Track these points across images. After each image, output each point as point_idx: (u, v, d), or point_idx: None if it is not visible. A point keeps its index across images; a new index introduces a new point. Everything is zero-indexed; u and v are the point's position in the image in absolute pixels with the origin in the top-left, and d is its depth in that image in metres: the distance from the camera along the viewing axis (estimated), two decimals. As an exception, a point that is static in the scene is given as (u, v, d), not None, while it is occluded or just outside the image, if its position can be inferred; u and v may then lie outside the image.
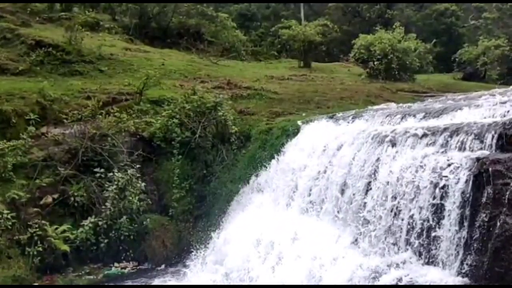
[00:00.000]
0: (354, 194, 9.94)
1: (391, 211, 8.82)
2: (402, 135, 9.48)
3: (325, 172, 11.14)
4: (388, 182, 9.03)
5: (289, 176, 12.40)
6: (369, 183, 9.61)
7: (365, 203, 9.52)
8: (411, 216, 8.38)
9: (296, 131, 13.78)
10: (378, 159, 9.62)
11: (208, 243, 13.05)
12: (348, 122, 12.36)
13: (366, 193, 9.61)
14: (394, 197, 8.82)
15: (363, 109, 13.14)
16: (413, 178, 8.53)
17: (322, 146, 11.70)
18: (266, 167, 13.61)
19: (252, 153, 14.80)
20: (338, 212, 10.36)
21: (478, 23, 37.61)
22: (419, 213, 8.25)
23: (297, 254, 10.31)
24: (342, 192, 10.38)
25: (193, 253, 13.02)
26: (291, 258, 10.36)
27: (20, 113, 14.80)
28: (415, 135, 9.20)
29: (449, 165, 8.01)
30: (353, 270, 8.90)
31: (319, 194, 11.17)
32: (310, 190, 11.50)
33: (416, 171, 8.54)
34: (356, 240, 9.59)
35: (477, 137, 8.08)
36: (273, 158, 13.50)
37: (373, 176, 9.53)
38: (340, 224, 10.20)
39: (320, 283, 9.42)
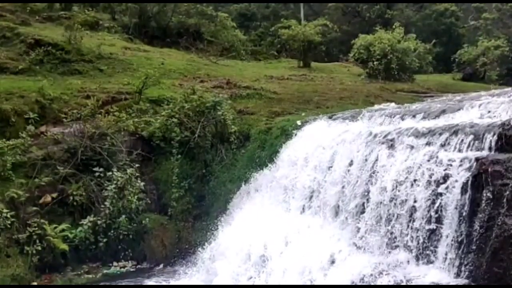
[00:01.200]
0: (346, 218, 9.86)
1: (385, 235, 8.82)
2: (399, 136, 9.47)
3: (319, 192, 11.06)
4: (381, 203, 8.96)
5: (281, 197, 12.27)
6: (362, 204, 9.52)
7: (358, 228, 9.46)
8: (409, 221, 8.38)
9: (291, 136, 13.66)
10: (372, 175, 9.50)
11: (196, 260, 12.88)
12: (345, 125, 12.23)
13: (359, 216, 9.52)
14: (389, 220, 8.76)
15: (360, 110, 12.97)
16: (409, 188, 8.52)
17: (315, 159, 11.52)
18: (259, 173, 13.61)
19: (251, 152, 14.79)
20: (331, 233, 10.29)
21: (478, 23, 37.64)
22: (418, 224, 8.24)
23: (287, 268, 10.19)
24: (336, 214, 10.33)
25: (180, 271, 12.97)
26: (281, 274, 10.24)
27: (20, 112, 14.80)
28: (413, 137, 9.18)
29: (448, 165, 8.02)
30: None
31: (313, 215, 11.11)
32: (303, 209, 11.46)
33: (412, 184, 8.49)
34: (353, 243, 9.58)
35: (477, 138, 8.09)
36: (265, 166, 13.49)
37: (366, 195, 9.45)
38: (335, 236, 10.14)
39: None
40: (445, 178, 7.94)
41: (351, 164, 10.18)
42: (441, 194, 7.91)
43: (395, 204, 8.65)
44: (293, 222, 11.31)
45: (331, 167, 10.82)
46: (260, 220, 11.98)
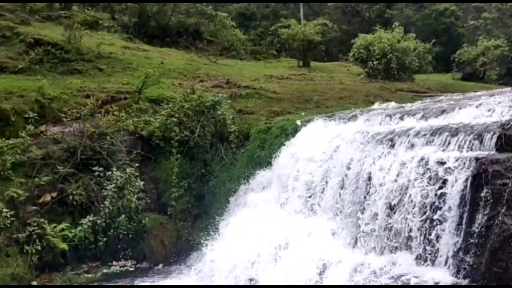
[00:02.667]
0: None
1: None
2: (393, 145, 9.42)
3: (314, 211, 10.90)
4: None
5: (273, 214, 12.03)
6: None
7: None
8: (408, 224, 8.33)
9: (283, 144, 13.49)
10: (366, 196, 9.38)
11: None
12: (339, 128, 12.03)
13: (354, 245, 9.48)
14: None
15: (355, 115, 12.74)
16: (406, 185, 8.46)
17: (307, 176, 11.31)
18: (249, 182, 13.60)
19: (251, 152, 14.80)
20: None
21: (478, 23, 37.68)
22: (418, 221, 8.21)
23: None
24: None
25: (179, 271, 12.89)
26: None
27: (19, 112, 14.78)
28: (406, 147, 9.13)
29: (447, 164, 8.01)
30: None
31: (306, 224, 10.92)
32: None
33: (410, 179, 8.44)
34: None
35: (476, 137, 8.09)
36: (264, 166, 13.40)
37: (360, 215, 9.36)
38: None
39: None
40: (443, 185, 7.93)
41: (343, 186, 10.03)
42: (441, 195, 7.89)
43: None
44: (284, 234, 11.03)
45: (324, 188, 10.70)
46: (250, 234, 11.68)
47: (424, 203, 8.12)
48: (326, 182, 10.71)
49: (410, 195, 8.32)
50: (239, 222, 12.46)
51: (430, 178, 8.14)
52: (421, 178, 8.25)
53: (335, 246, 9.74)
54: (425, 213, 8.08)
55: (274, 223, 11.55)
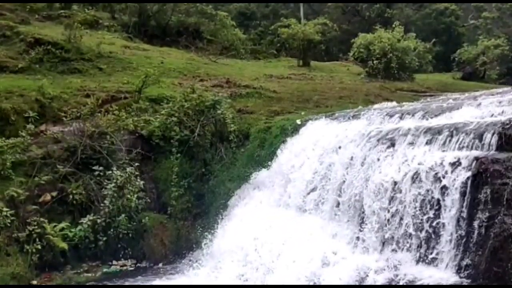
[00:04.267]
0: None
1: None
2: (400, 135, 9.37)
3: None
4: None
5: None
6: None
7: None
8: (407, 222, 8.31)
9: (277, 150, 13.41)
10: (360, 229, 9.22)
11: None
12: (338, 125, 11.89)
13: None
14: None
15: (352, 112, 12.61)
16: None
17: (297, 198, 11.13)
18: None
19: (251, 151, 14.80)
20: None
21: (478, 22, 37.68)
22: (417, 219, 8.19)
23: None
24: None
25: (179, 270, 12.83)
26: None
27: (19, 111, 14.77)
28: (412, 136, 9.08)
29: (447, 164, 8.01)
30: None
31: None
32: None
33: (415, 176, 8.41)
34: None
35: (476, 137, 8.08)
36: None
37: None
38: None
39: None
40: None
41: (335, 216, 9.87)
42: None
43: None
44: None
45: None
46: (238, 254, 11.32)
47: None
48: (317, 209, 10.48)
49: (404, 221, 8.24)
50: (227, 238, 12.17)
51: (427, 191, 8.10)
52: (416, 199, 8.18)
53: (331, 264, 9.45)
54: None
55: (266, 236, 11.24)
